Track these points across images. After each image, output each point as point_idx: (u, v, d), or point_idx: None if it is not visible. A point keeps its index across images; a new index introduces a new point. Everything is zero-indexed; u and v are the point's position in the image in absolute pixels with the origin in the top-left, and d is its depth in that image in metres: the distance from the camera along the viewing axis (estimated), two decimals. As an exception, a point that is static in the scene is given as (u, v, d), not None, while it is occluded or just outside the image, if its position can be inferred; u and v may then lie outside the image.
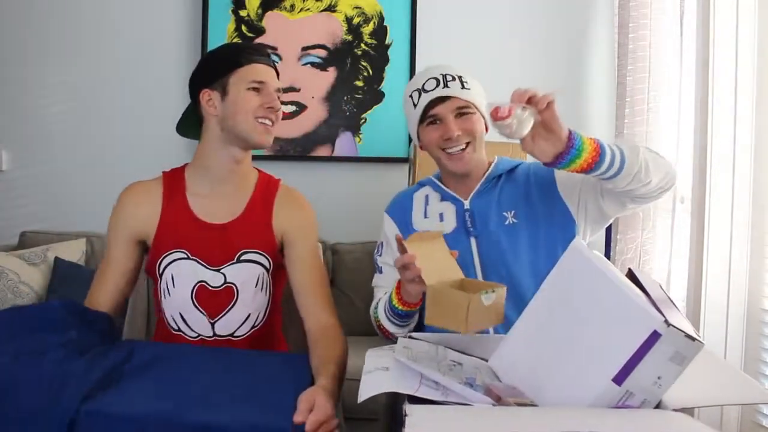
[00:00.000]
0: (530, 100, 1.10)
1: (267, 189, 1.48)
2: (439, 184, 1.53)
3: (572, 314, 0.93)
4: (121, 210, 1.44)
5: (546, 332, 0.97)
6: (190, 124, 1.49)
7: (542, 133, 1.15)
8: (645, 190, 1.26)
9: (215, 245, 1.41)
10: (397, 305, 1.32)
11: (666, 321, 0.81)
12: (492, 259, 1.41)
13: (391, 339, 1.43)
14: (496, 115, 1.08)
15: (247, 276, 1.42)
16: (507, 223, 1.43)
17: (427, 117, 1.43)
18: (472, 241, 1.43)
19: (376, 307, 1.46)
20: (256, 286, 1.43)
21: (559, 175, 1.44)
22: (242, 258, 1.41)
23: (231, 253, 1.41)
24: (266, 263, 1.43)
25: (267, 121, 1.39)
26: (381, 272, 1.53)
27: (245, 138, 1.39)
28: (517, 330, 1.04)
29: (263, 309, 1.46)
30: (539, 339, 0.98)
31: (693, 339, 0.81)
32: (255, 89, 1.37)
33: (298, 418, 1.00)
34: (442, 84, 1.41)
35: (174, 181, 1.46)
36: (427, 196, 1.53)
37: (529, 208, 1.44)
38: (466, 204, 1.47)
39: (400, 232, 1.50)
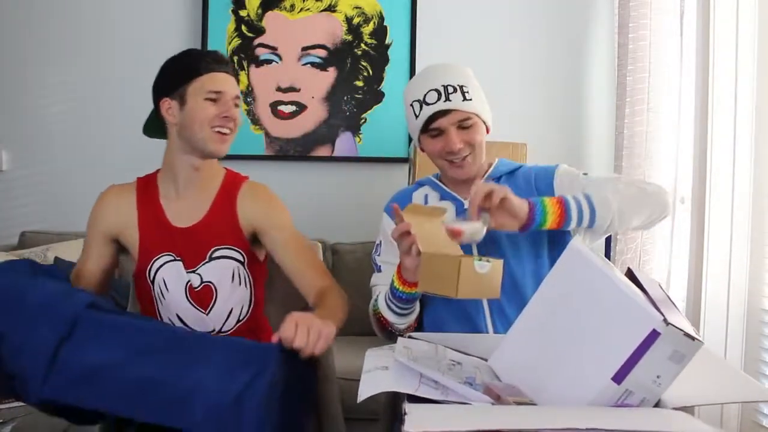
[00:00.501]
0: (487, 197, 1.20)
1: (231, 186, 1.50)
2: (439, 183, 1.53)
3: (572, 313, 0.93)
4: (99, 210, 1.48)
5: (546, 331, 0.97)
6: (157, 127, 1.50)
7: (504, 213, 1.24)
8: (628, 228, 1.35)
9: (187, 247, 1.44)
10: (398, 287, 1.31)
11: (665, 320, 0.81)
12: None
13: (388, 333, 1.43)
14: (452, 237, 1.19)
15: (221, 273, 1.45)
16: None
17: (429, 129, 1.43)
18: None
19: (375, 301, 1.46)
20: (232, 282, 1.46)
21: (559, 187, 1.44)
22: (214, 256, 1.44)
23: (202, 253, 1.44)
24: (240, 257, 1.46)
25: (224, 130, 1.40)
26: (380, 271, 1.53)
27: (201, 147, 1.41)
28: (516, 329, 1.04)
29: (246, 302, 1.50)
30: (539, 338, 0.98)
31: (692, 338, 0.81)
32: (212, 99, 1.39)
33: (283, 334, 1.08)
34: (443, 97, 1.39)
35: (147, 186, 1.49)
36: (426, 196, 1.53)
37: None
38: (466, 203, 1.46)
39: None
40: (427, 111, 1.40)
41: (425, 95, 1.40)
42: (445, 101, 1.39)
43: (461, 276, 1.07)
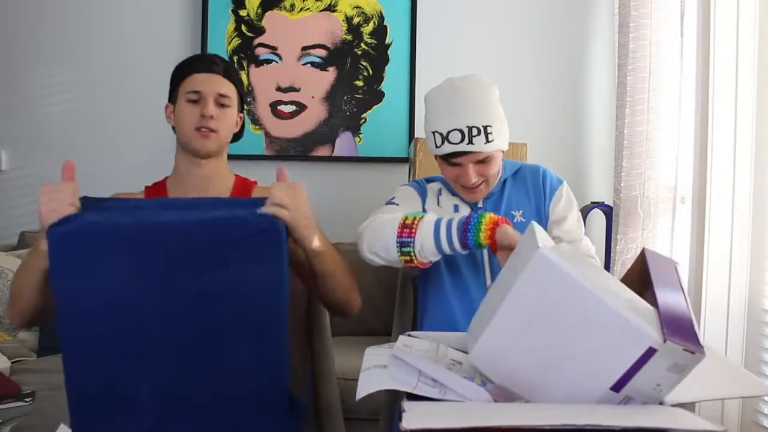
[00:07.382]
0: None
1: (242, 192, 1.49)
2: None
3: (559, 332, 0.87)
4: None
5: (530, 344, 0.89)
6: None
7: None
8: None
9: None
10: (481, 238, 1.25)
11: (664, 335, 0.79)
12: None
13: (381, 248, 1.40)
14: None
15: None
16: (516, 221, 1.46)
17: (447, 160, 1.43)
18: None
19: (418, 214, 1.36)
20: None
21: (557, 200, 1.51)
22: None
23: None
24: None
25: (203, 129, 1.42)
26: (397, 204, 1.52)
27: (187, 147, 1.44)
28: (490, 335, 0.93)
29: None
30: (523, 350, 0.90)
31: (692, 352, 0.79)
32: (192, 100, 1.42)
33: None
34: (466, 140, 1.37)
35: (156, 194, 1.47)
36: (440, 189, 1.56)
37: (537, 212, 1.49)
38: (480, 204, 1.51)
39: (420, 204, 1.53)
40: (448, 148, 1.39)
41: (448, 133, 1.38)
42: (467, 144, 1.37)
43: None
